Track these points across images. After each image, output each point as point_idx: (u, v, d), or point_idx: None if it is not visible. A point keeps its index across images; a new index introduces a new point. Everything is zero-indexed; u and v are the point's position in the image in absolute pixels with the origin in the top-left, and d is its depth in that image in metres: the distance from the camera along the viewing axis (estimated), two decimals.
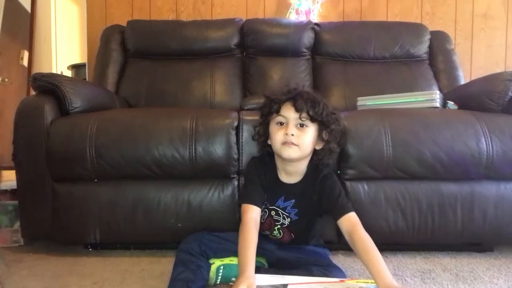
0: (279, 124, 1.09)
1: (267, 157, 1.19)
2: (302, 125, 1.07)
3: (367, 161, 1.33)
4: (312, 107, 1.05)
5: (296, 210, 1.15)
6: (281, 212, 1.16)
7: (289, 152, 1.06)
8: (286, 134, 1.05)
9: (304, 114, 1.05)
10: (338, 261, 1.34)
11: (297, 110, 1.05)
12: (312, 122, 1.07)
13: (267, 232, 1.20)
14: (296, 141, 1.05)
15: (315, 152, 1.13)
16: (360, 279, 0.97)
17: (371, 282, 0.92)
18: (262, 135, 1.16)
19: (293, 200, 1.15)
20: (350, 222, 1.07)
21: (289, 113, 1.06)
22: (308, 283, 0.93)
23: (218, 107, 2.01)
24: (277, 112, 1.08)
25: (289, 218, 1.16)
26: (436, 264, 1.33)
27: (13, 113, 1.42)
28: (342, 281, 0.97)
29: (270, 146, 1.15)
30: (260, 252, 1.05)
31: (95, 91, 1.74)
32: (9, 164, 1.50)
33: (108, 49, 2.19)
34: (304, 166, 1.15)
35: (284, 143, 1.06)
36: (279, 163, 1.15)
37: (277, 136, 1.07)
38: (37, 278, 1.23)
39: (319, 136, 1.11)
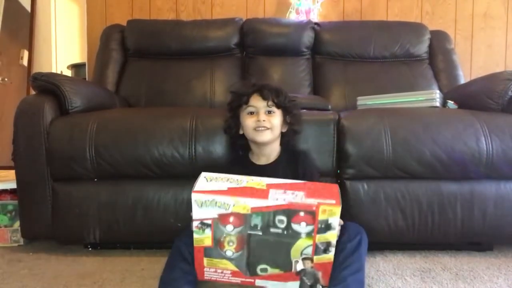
0: (249, 113, 1.22)
1: (239, 151, 1.31)
2: (270, 112, 1.21)
3: (367, 160, 1.33)
4: (276, 96, 1.21)
5: None
6: None
7: (263, 136, 1.20)
8: (258, 120, 1.19)
9: (270, 102, 1.21)
10: None
11: (264, 98, 1.20)
12: (277, 108, 1.22)
13: None
14: (268, 125, 1.19)
15: (282, 134, 1.27)
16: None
17: None
18: (233, 127, 1.27)
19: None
20: None
21: (257, 102, 1.21)
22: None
23: (218, 106, 2.01)
24: (246, 103, 1.22)
25: None
26: (436, 263, 1.33)
27: (13, 112, 1.42)
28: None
29: (241, 137, 1.27)
30: None
31: (95, 91, 1.74)
32: (9, 164, 1.51)
33: (108, 48, 2.19)
34: (277, 146, 1.28)
35: (256, 128, 1.19)
36: (255, 148, 1.27)
37: (249, 123, 1.21)
38: (37, 277, 1.23)
39: (284, 120, 1.25)
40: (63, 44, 3.09)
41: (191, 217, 0.96)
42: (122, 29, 2.24)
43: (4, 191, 1.58)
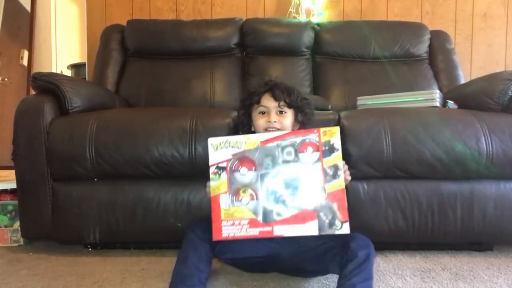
0: (261, 113, 1.21)
1: None
2: (281, 112, 1.20)
3: (367, 160, 1.33)
4: (288, 95, 1.20)
5: None
6: None
7: None
8: (269, 121, 1.18)
9: (282, 102, 1.19)
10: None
11: (276, 99, 1.19)
12: (289, 108, 1.21)
13: None
14: (278, 126, 1.18)
15: None
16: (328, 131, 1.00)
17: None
18: (246, 125, 1.27)
19: None
20: None
21: (269, 102, 1.20)
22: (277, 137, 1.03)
23: (218, 106, 2.01)
24: (258, 103, 1.21)
25: None
26: (436, 263, 1.33)
27: (13, 112, 1.42)
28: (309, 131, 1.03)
29: (252, 133, 1.25)
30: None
31: (95, 91, 1.74)
32: (9, 164, 1.51)
33: (108, 48, 2.19)
34: None
35: (267, 128, 1.18)
36: None
37: (260, 123, 1.20)
38: (37, 277, 1.23)
39: (296, 119, 1.24)
40: (63, 44, 3.09)
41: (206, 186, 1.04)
42: (122, 29, 2.24)
43: (4, 191, 1.58)
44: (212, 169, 1.01)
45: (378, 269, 1.27)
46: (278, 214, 0.98)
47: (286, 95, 1.20)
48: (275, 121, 1.18)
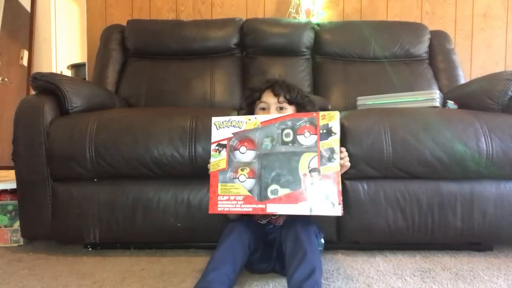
0: (262, 109, 1.24)
1: None
2: (281, 108, 1.22)
3: (367, 160, 1.33)
4: (288, 92, 1.22)
5: None
6: None
7: None
8: None
9: (281, 98, 1.22)
10: (337, 260, 1.35)
11: (275, 94, 1.22)
12: (289, 104, 1.23)
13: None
14: None
15: None
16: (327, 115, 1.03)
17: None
18: None
19: None
20: None
21: (269, 98, 1.23)
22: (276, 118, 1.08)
23: (218, 106, 2.01)
24: (259, 99, 1.24)
25: None
26: (436, 263, 1.33)
27: (13, 112, 1.42)
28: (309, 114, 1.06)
29: None
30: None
31: (94, 91, 1.74)
32: (9, 164, 1.51)
33: (108, 48, 2.19)
34: None
35: None
36: None
37: None
38: (37, 277, 1.23)
39: None
40: (63, 44, 3.09)
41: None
42: (122, 29, 2.24)
43: (4, 191, 1.58)
44: (213, 146, 1.08)
45: (378, 269, 1.27)
46: (273, 193, 1.02)
47: (286, 91, 1.22)
48: None
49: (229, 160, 1.06)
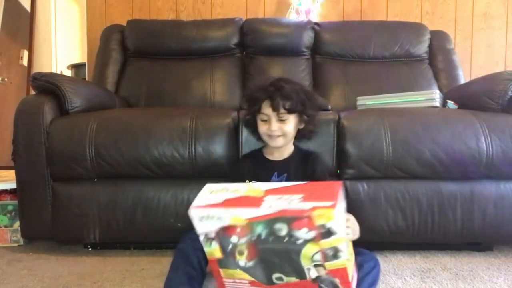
0: (263, 121, 1.21)
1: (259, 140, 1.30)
2: (282, 120, 1.18)
3: (367, 160, 1.33)
4: (287, 101, 1.15)
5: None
6: None
7: (275, 143, 1.21)
8: (270, 129, 1.18)
9: (282, 110, 1.16)
10: None
11: (274, 109, 1.16)
12: (290, 114, 1.18)
13: None
14: (280, 133, 1.19)
15: (298, 130, 1.26)
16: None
17: None
18: (251, 126, 1.28)
19: (286, 174, 1.22)
20: None
21: (269, 110, 1.17)
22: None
23: (218, 106, 2.01)
24: (259, 111, 1.20)
25: None
26: (436, 263, 1.33)
27: (13, 112, 1.42)
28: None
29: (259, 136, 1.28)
30: None
31: (94, 91, 1.74)
32: (9, 164, 1.51)
33: (108, 48, 2.19)
34: (291, 144, 1.28)
35: (269, 135, 1.19)
36: (270, 146, 1.26)
37: (262, 130, 1.21)
38: (36, 278, 1.23)
39: (301, 118, 1.22)
40: (63, 44, 3.10)
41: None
42: (122, 29, 2.24)
43: (4, 191, 1.58)
44: (201, 237, 0.93)
45: None
46: (278, 279, 0.93)
47: (285, 101, 1.15)
48: (275, 129, 1.17)
49: (223, 248, 0.92)
